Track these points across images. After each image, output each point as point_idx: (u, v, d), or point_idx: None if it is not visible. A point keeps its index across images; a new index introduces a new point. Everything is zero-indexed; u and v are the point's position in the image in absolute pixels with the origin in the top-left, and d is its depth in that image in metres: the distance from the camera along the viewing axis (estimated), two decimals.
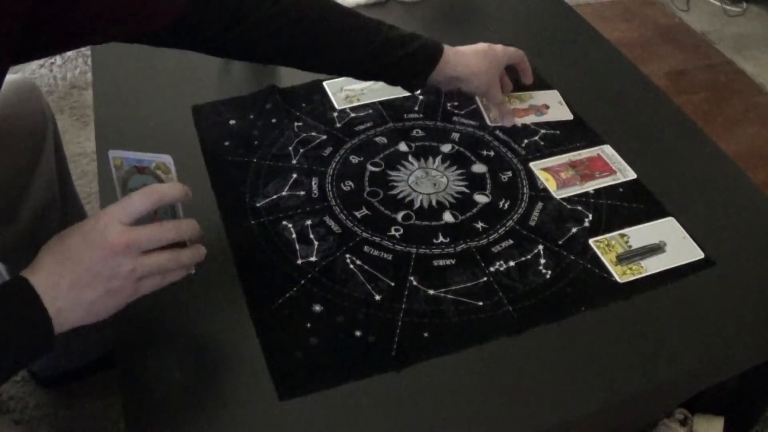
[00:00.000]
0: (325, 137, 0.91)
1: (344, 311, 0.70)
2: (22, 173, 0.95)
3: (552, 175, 0.86)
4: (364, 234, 0.78)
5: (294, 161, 0.87)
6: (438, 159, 0.88)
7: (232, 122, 0.92)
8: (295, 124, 0.93)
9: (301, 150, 0.89)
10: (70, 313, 0.57)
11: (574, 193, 0.84)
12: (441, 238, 0.78)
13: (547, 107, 0.96)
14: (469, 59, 0.88)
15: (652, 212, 0.82)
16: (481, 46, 0.90)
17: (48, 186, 1.00)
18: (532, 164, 0.88)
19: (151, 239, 0.59)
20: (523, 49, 0.93)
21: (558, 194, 0.84)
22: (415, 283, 0.73)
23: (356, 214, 0.80)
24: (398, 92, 0.98)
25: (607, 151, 0.90)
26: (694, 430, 0.86)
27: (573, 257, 0.76)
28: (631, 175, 0.86)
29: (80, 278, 0.57)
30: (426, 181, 0.85)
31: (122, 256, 0.57)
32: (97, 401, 1.26)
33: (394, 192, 0.83)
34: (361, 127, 0.93)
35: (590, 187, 0.85)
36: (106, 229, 0.57)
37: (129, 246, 0.57)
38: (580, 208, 0.82)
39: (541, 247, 0.77)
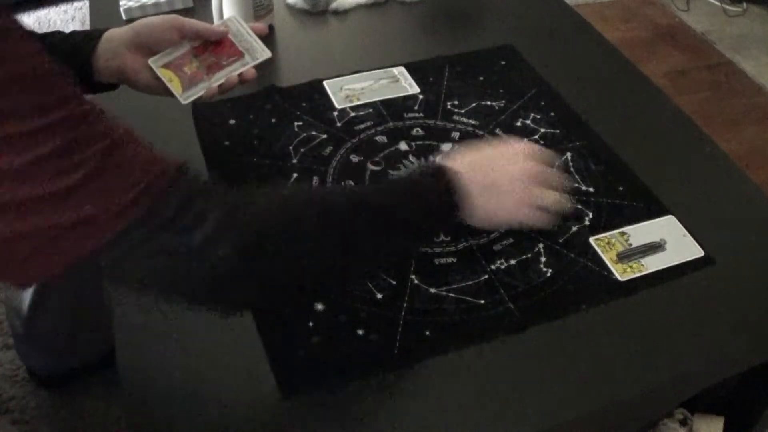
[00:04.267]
0: (325, 136, 0.91)
1: (346, 310, 0.70)
2: None
3: (175, 71, 0.79)
4: None
5: (294, 161, 0.87)
6: (438, 158, 0.88)
7: (232, 122, 0.92)
8: (295, 123, 0.93)
9: (302, 149, 0.89)
10: (470, 206, 0.66)
11: (202, 94, 0.79)
12: (442, 237, 0.78)
13: None
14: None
15: (653, 210, 0.82)
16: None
17: None
18: (150, 61, 0.78)
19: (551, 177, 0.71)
20: (522, 49, 0.93)
21: (185, 97, 0.78)
22: (416, 281, 0.73)
23: None
24: (398, 91, 0.98)
25: (232, 27, 0.83)
26: (694, 430, 0.86)
27: (573, 255, 0.76)
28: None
29: (489, 183, 0.68)
30: None
31: (530, 182, 0.69)
32: (97, 401, 1.26)
33: None
34: (362, 126, 0.93)
35: (218, 80, 0.80)
36: (521, 158, 0.70)
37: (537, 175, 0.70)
38: (580, 206, 0.82)
39: (541, 245, 0.77)
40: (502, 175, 0.69)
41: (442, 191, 0.65)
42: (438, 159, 0.70)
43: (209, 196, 0.55)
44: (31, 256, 0.48)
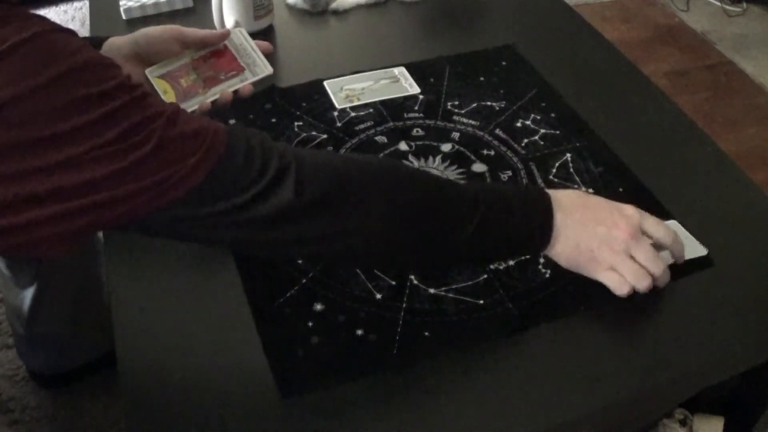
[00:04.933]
0: (325, 137, 0.91)
1: (345, 310, 0.70)
2: None
3: (170, 83, 0.78)
4: None
5: None
6: (438, 158, 0.88)
7: (232, 122, 0.92)
8: (295, 123, 0.93)
9: None
10: (559, 245, 0.68)
11: (195, 108, 0.77)
12: None
13: None
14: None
15: (653, 212, 0.81)
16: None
17: None
18: (147, 71, 0.78)
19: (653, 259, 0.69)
20: (523, 49, 0.93)
21: None
22: (415, 281, 0.73)
23: None
24: (398, 92, 0.98)
25: (235, 40, 0.82)
26: (694, 430, 0.86)
27: None
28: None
29: (589, 237, 0.68)
30: None
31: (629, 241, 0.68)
32: (97, 401, 1.26)
33: None
34: (362, 126, 0.93)
35: (214, 95, 0.78)
36: (631, 229, 0.68)
37: (634, 234, 0.68)
38: None
39: None
40: (597, 236, 0.68)
41: (541, 222, 0.67)
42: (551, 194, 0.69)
43: (269, 146, 0.59)
44: (96, 220, 0.52)
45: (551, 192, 0.69)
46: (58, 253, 0.53)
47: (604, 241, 0.68)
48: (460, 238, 0.65)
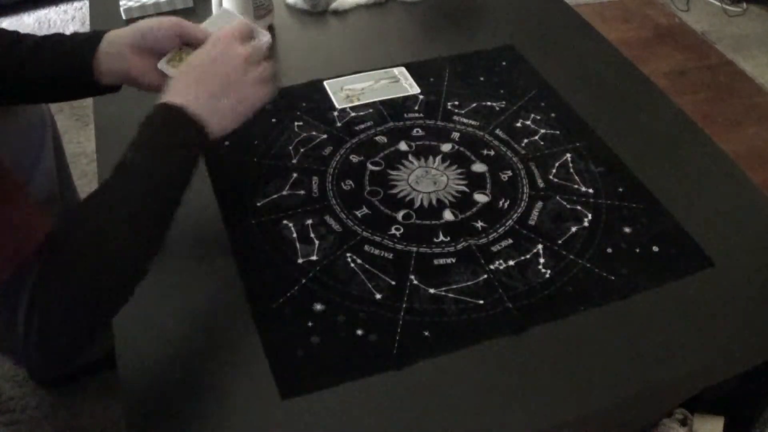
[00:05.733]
0: (325, 137, 0.91)
1: (345, 310, 0.70)
2: (21, 171, 0.95)
3: None
4: (365, 233, 0.78)
5: (294, 161, 0.87)
6: (438, 158, 0.88)
7: None
8: (295, 123, 0.93)
9: (302, 149, 0.89)
10: (212, 121, 0.68)
11: None
12: (441, 237, 0.78)
13: None
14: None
15: (652, 212, 0.82)
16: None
17: (48, 184, 1.00)
18: (159, 65, 0.78)
19: (258, 51, 0.73)
20: (523, 49, 0.93)
21: None
22: (415, 281, 0.73)
23: (357, 213, 0.80)
24: (398, 92, 0.98)
25: (227, 18, 0.81)
26: (694, 430, 0.86)
27: (572, 257, 0.76)
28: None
29: (215, 90, 0.69)
30: (426, 179, 0.85)
31: (247, 65, 0.71)
32: (97, 401, 1.26)
33: (395, 191, 0.83)
34: (362, 126, 0.93)
35: None
36: (229, 48, 0.71)
37: (249, 56, 0.71)
38: (579, 207, 0.82)
39: (540, 246, 0.77)
40: (223, 78, 0.70)
41: (186, 135, 0.67)
42: (161, 99, 0.68)
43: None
44: None
45: (172, 100, 0.67)
46: None
47: (232, 82, 0.70)
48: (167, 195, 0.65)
